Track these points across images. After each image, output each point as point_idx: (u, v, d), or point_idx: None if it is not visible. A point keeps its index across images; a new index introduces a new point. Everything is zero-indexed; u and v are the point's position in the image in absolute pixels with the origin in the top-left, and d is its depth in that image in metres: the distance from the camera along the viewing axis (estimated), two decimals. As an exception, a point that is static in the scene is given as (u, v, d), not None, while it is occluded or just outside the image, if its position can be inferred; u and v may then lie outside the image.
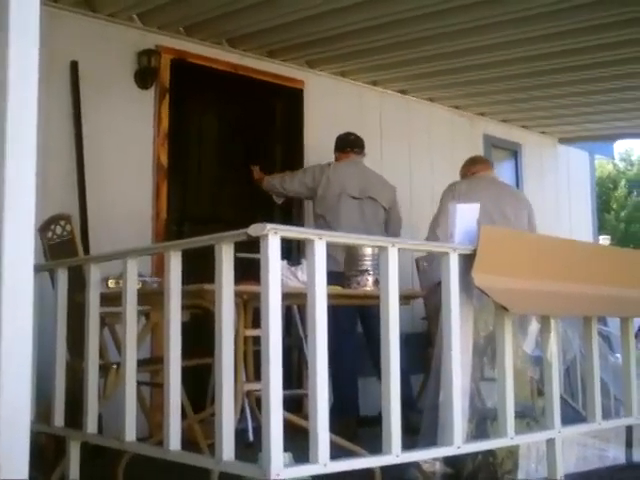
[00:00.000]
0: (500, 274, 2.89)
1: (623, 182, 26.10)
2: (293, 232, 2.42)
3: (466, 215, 2.96)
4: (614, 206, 25.46)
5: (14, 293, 1.55)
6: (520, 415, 3.05)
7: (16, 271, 1.55)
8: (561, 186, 8.11)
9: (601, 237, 11.55)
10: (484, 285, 2.81)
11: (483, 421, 3.08)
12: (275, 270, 2.18)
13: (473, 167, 5.17)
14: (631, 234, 24.52)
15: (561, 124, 7.57)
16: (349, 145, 5.24)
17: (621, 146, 26.34)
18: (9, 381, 1.52)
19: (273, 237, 2.18)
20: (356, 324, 4.97)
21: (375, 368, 4.78)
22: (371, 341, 4.84)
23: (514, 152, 7.66)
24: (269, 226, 2.17)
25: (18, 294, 1.56)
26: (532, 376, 3.68)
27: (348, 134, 5.31)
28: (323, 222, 5.00)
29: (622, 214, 25.37)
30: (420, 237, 5.72)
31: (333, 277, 2.43)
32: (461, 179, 5.13)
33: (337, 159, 5.25)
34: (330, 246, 2.34)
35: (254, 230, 2.19)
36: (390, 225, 5.22)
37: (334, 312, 2.33)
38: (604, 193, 24.25)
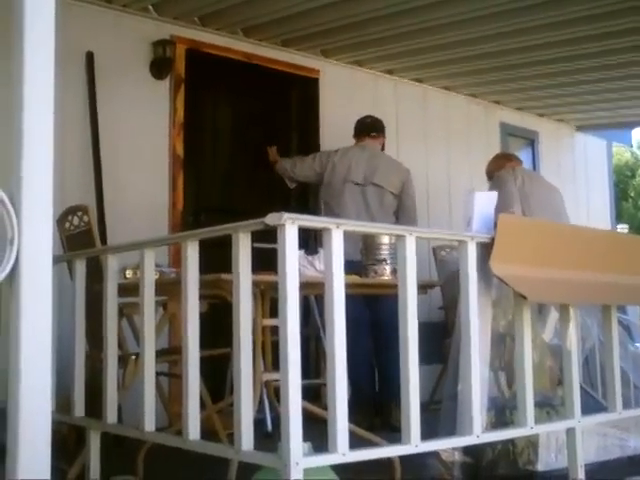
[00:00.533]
0: (518, 262, 2.87)
1: (641, 170, 25.88)
2: (310, 221, 2.40)
3: (484, 203, 2.94)
4: (632, 194, 25.24)
5: (33, 285, 1.55)
6: (540, 404, 3.03)
7: (35, 263, 1.56)
8: (578, 174, 8.05)
9: (619, 226, 11.47)
10: (502, 274, 2.79)
11: (502, 410, 3.07)
12: (293, 260, 2.17)
13: (509, 162, 5.23)
14: (649, 222, 24.32)
15: (578, 112, 7.51)
16: (365, 130, 5.15)
17: (639, 134, 26.11)
18: (30, 376, 1.53)
19: (290, 226, 2.17)
20: (367, 313, 4.93)
21: (375, 356, 4.84)
22: (376, 330, 4.85)
23: (531, 140, 7.61)
24: (286, 215, 2.16)
25: (37, 286, 1.57)
26: (551, 365, 3.66)
27: (365, 118, 5.21)
28: (329, 210, 4.95)
29: (640, 202, 25.19)
30: (437, 226, 5.70)
31: (347, 266, 2.41)
32: (497, 172, 5.08)
33: (355, 144, 5.18)
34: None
35: (271, 219, 2.18)
36: (401, 212, 5.06)
37: (348, 301, 2.32)
38: (622, 181, 24.01)
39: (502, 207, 4.63)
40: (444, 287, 5.34)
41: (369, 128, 5.16)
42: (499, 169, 5.15)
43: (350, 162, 4.98)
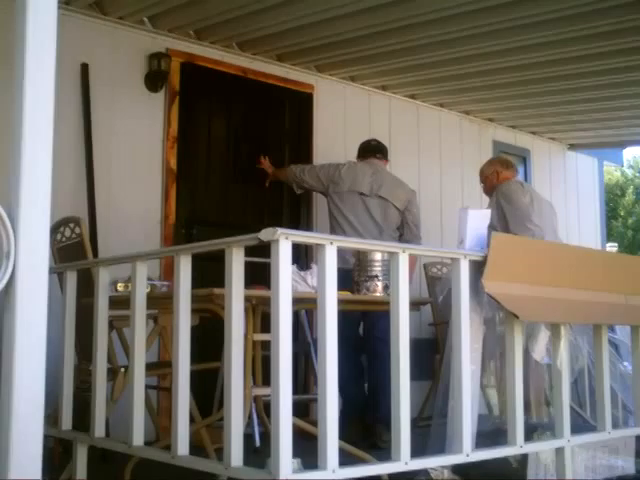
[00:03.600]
0: (511, 281, 2.87)
1: (631, 189, 26.01)
2: (304, 237, 2.40)
3: (477, 221, 2.95)
4: (622, 213, 25.38)
5: (29, 298, 1.54)
6: (532, 429, 3.03)
7: (31, 276, 1.54)
8: (570, 193, 8.09)
9: (608, 244, 11.50)
10: (494, 292, 2.79)
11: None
12: (286, 275, 2.17)
13: (508, 170, 5.08)
14: (638, 241, 24.44)
15: (570, 130, 7.55)
16: (370, 150, 5.16)
17: (629, 153, 26.28)
18: (23, 388, 1.51)
19: (284, 242, 2.17)
20: (358, 330, 4.93)
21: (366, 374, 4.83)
22: (367, 347, 4.86)
23: (523, 158, 7.64)
24: (280, 231, 2.16)
25: (33, 299, 1.55)
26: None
27: (370, 140, 5.25)
28: (334, 220, 4.97)
29: (630, 221, 25.29)
30: (429, 243, 5.70)
31: (340, 275, 2.40)
32: (505, 181, 4.97)
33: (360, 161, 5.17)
34: None
35: (265, 235, 2.18)
36: (406, 228, 5.06)
37: (339, 318, 2.31)
38: (612, 200, 24.17)
39: (520, 219, 4.60)
40: (441, 303, 5.34)
41: (375, 149, 5.17)
42: (501, 180, 5.01)
43: (356, 174, 4.99)
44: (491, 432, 3.17)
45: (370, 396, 4.83)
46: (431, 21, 4.75)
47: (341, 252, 2.44)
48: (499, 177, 5.03)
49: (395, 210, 5.01)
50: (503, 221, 4.57)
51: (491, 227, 4.53)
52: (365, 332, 4.87)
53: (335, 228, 4.90)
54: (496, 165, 5.15)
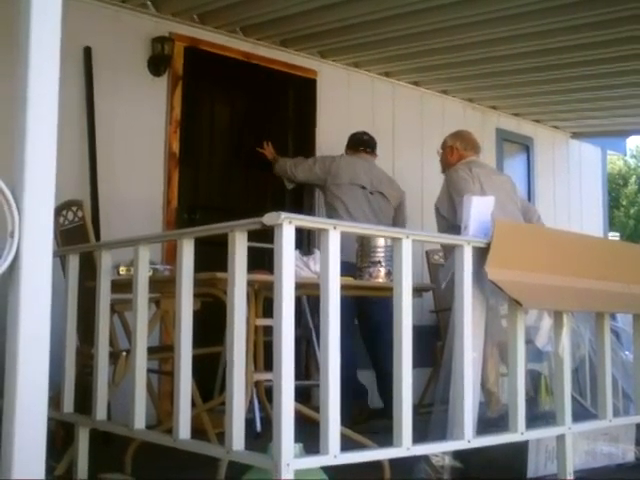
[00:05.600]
0: (514, 268, 2.87)
1: (633, 179, 25.95)
2: (307, 221, 2.40)
3: (481, 208, 2.94)
4: (624, 203, 25.33)
5: (33, 278, 1.54)
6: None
7: (35, 256, 1.54)
8: (573, 181, 8.07)
9: (610, 234, 11.48)
10: (497, 279, 2.79)
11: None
12: (289, 260, 2.17)
13: (474, 153, 4.78)
14: (640, 231, 24.44)
15: (573, 119, 7.53)
16: (362, 144, 5.25)
17: (632, 143, 26.19)
18: (27, 371, 1.51)
19: (288, 226, 2.17)
20: (354, 315, 4.93)
21: (372, 360, 4.85)
22: (368, 333, 4.88)
23: (526, 146, 7.62)
24: (284, 215, 2.15)
25: (37, 279, 1.55)
26: (542, 372, 3.67)
27: (363, 133, 5.31)
28: (332, 211, 4.98)
29: (632, 211, 25.25)
30: (432, 230, 5.69)
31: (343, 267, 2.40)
32: (457, 162, 4.80)
33: (352, 155, 5.24)
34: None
35: (269, 219, 2.17)
36: (395, 225, 5.15)
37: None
38: (614, 189, 24.10)
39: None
40: (443, 290, 5.31)
41: (366, 144, 5.26)
42: (455, 158, 4.77)
43: (355, 168, 5.09)
44: (492, 418, 3.17)
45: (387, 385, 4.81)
46: (435, 7, 4.73)
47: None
48: (453, 154, 4.78)
49: (391, 207, 5.17)
50: (452, 212, 4.41)
51: (440, 216, 4.52)
52: (370, 318, 4.87)
53: (332, 217, 4.89)
54: (457, 140, 4.85)
